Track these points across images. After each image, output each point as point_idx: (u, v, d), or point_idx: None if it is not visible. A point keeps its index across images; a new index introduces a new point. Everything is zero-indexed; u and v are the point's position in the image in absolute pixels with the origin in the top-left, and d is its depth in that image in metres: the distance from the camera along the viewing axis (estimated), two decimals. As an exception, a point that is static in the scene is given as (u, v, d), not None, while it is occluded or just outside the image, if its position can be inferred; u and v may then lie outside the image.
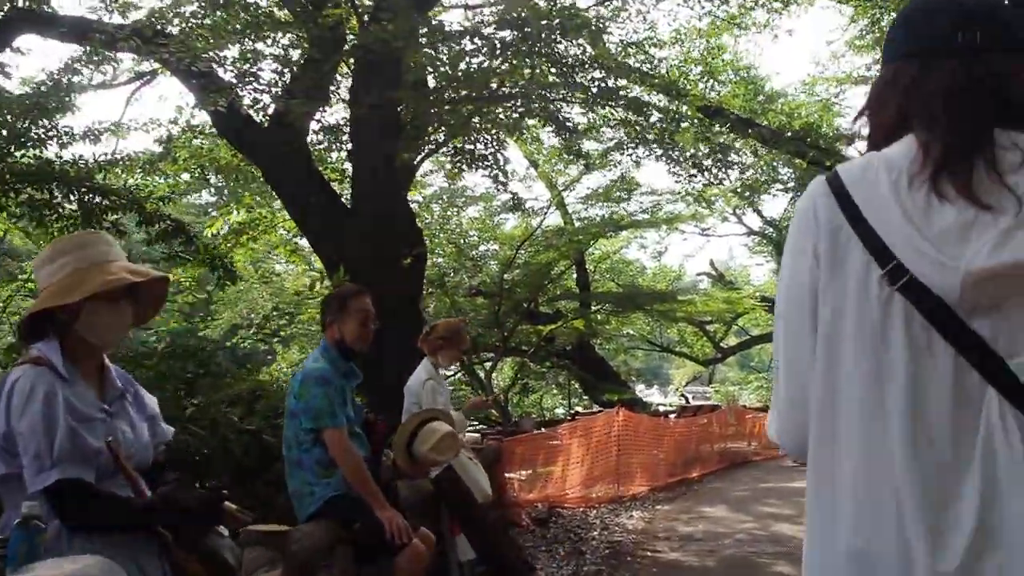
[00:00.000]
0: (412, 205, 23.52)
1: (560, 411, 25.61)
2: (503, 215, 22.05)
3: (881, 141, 1.41)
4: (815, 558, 1.33)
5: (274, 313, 25.12)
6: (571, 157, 13.33)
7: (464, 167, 11.36)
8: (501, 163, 11.51)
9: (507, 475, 9.15)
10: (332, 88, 10.59)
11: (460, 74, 9.60)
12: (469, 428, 15.94)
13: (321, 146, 11.01)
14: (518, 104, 10.41)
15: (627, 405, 19.18)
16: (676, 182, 19.17)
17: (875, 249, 1.28)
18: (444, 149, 11.80)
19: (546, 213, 19.96)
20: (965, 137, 1.30)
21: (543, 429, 15.74)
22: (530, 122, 11.79)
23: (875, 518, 1.25)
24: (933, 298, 1.25)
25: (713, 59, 18.45)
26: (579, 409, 21.36)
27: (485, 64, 9.74)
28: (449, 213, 22.03)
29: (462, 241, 22.69)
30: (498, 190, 11.80)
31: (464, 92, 9.96)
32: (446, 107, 9.96)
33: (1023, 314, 1.23)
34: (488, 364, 20.95)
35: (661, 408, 22.33)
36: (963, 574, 1.20)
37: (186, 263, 10.03)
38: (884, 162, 1.34)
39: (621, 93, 9.97)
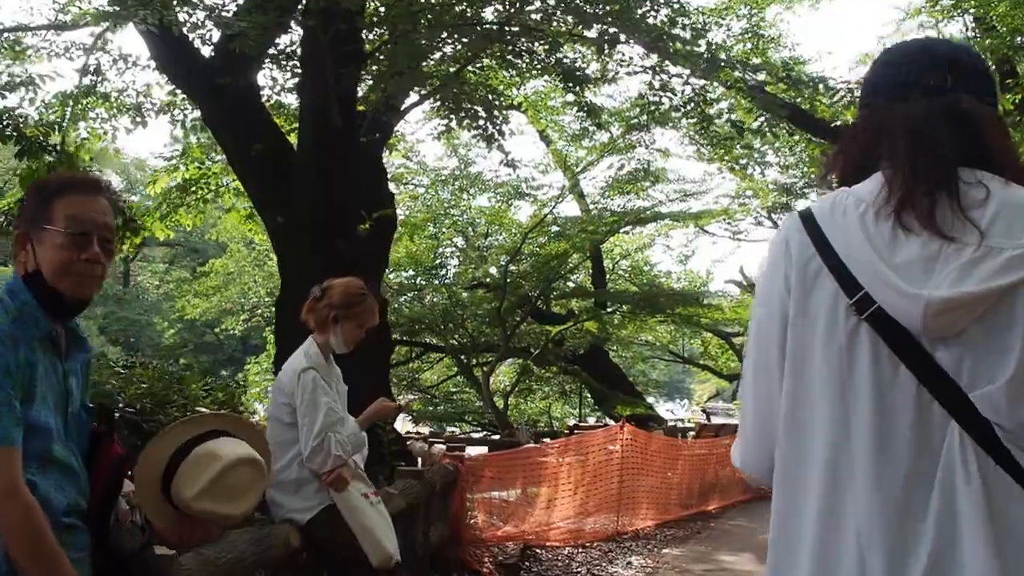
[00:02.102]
0: (416, 188, 21.92)
1: (573, 422, 23.36)
2: (516, 201, 19.92)
3: (850, 178, 1.46)
4: None
5: (268, 299, 23.22)
6: (580, 116, 11.31)
7: (451, 118, 9.35)
8: (496, 118, 9.49)
9: (469, 502, 7.04)
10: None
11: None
12: (437, 439, 13.87)
13: (273, 87, 8.96)
14: (513, 36, 8.35)
15: (639, 420, 17.10)
16: (705, 154, 17.03)
17: (843, 280, 1.32)
18: (430, 103, 9.81)
19: (559, 199, 17.77)
20: (928, 172, 1.34)
21: (547, 440, 13.65)
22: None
23: (837, 551, 1.28)
24: (898, 328, 1.28)
25: (756, 33, 16.24)
26: (575, 422, 19.09)
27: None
28: (456, 197, 19.97)
29: (470, 229, 20.63)
30: (489, 149, 9.68)
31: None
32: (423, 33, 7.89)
33: (986, 345, 1.25)
34: (487, 365, 18.86)
35: (677, 425, 20.03)
36: None
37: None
38: (853, 197, 1.39)
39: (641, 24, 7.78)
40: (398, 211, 20.86)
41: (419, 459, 8.08)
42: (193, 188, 10.73)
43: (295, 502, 3.75)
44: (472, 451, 15.83)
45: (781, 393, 1.37)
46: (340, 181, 8.45)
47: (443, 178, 20.38)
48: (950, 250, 1.28)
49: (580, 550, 8.11)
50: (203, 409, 5.71)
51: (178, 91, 9.63)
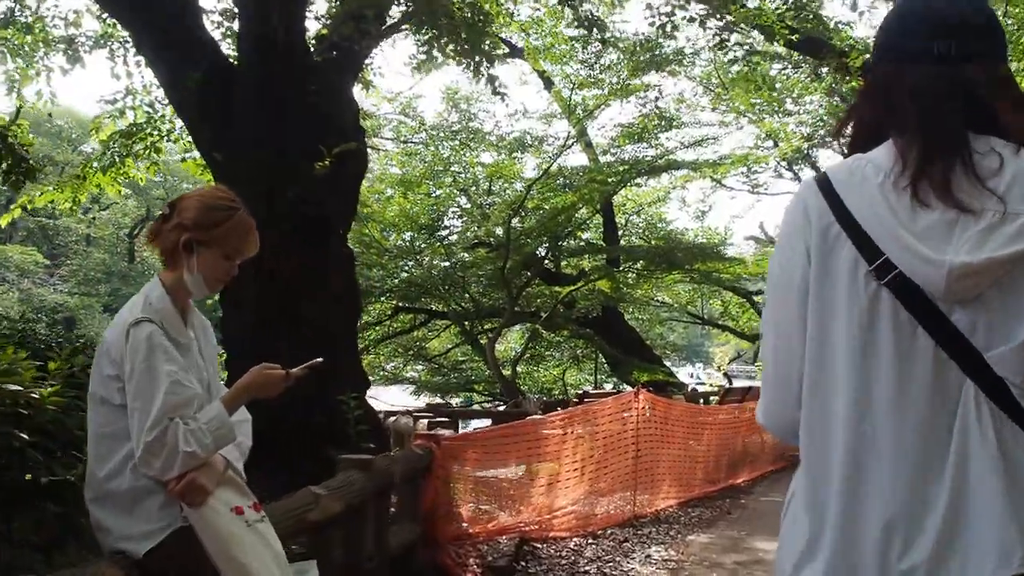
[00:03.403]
0: (415, 145, 20.47)
1: (586, 390, 22.01)
2: (519, 154, 18.46)
3: (861, 144, 1.48)
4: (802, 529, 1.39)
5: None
6: (584, 43, 9.91)
7: (432, 44, 8.01)
8: (483, 42, 8.15)
9: (450, 491, 5.75)
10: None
11: None
12: (417, 411, 12.46)
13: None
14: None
15: (658, 386, 15.76)
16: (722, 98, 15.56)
17: (863, 246, 1.35)
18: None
19: (565, 147, 16.31)
20: (940, 142, 1.36)
21: (560, 410, 12.31)
22: None
23: (860, 507, 1.33)
24: (918, 293, 1.31)
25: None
26: (588, 389, 17.73)
27: None
28: (457, 153, 18.56)
29: (473, 188, 19.22)
30: (478, 80, 8.29)
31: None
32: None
33: (1002, 308, 1.29)
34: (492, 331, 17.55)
35: (698, 389, 18.68)
36: (932, 565, 1.27)
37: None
38: (871, 164, 1.41)
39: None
40: (393, 169, 19.69)
41: (403, 438, 6.79)
42: (140, 134, 9.38)
43: (129, 525, 2.46)
44: (475, 424, 14.60)
45: (802, 354, 1.41)
46: (290, 113, 7.11)
47: (443, 134, 19.02)
48: (968, 217, 1.31)
49: (590, 541, 6.83)
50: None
51: (109, 17, 8.26)
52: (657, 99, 16.38)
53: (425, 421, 7.96)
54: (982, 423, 1.28)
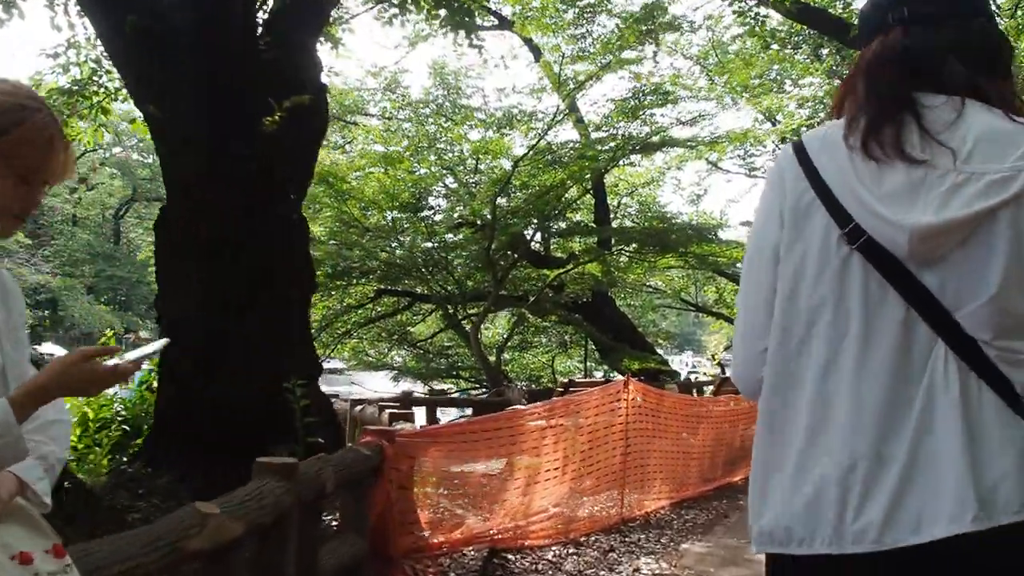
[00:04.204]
0: (401, 122, 19.55)
1: (571, 378, 21.18)
2: (507, 131, 17.55)
3: (838, 114, 1.52)
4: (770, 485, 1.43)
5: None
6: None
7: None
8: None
9: (407, 494, 4.93)
10: None
11: None
12: (391, 400, 11.54)
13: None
14: None
15: (651, 375, 14.96)
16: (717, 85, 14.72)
17: (834, 211, 1.39)
18: None
19: (554, 122, 15.43)
20: (883, 102, 1.41)
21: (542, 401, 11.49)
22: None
23: (817, 467, 1.36)
24: (887, 255, 1.35)
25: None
26: (576, 377, 16.90)
27: None
28: (442, 129, 17.67)
29: (460, 168, 18.30)
30: (454, 31, 7.46)
31: None
32: None
33: (968, 267, 1.32)
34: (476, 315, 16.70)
35: (692, 379, 17.85)
36: (890, 510, 1.29)
37: None
38: (838, 130, 1.44)
39: None
40: (377, 147, 18.77)
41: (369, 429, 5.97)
42: (84, 92, 8.50)
43: None
44: (452, 413, 13.79)
45: (770, 312, 1.45)
46: (236, 65, 6.27)
47: (428, 110, 18.14)
48: (933, 177, 1.33)
49: (571, 550, 6.03)
50: None
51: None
52: (653, 69, 15.55)
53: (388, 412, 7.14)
54: (948, 382, 1.30)
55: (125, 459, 6.53)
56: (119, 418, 8.11)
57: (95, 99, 8.68)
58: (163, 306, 6.37)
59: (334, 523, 4.91)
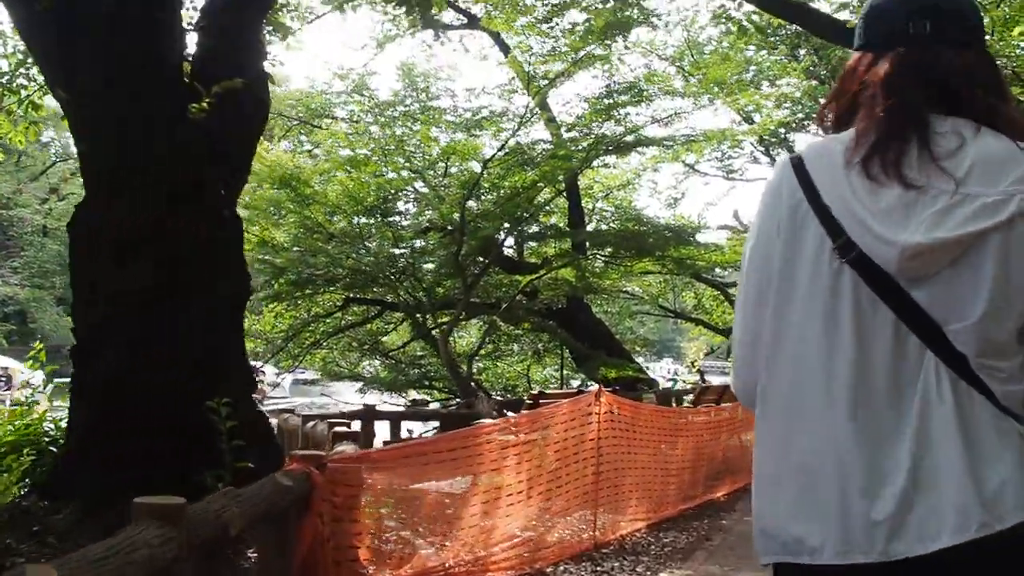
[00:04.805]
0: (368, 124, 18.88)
1: (542, 388, 20.53)
2: (477, 131, 16.91)
3: (842, 125, 1.50)
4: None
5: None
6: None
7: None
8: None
9: (342, 527, 4.28)
10: None
11: None
12: (350, 414, 10.84)
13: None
14: None
15: (628, 384, 14.40)
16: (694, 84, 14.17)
17: (828, 224, 1.39)
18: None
19: (524, 121, 14.83)
20: (898, 120, 1.39)
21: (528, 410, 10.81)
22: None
23: (819, 478, 1.35)
24: (878, 270, 1.35)
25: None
26: (548, 388, 16.26)
27: None
28: (410, 132, 17.00)
29: (429, 173, 17.63)
30: (413, 15, 6.84)
31: None
32: None
33: (958, 287, 1.32)
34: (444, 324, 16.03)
35: (673, 385, 17.25)
36: (895, 522, 1.29)
37: None
38: (840, 144, 1.44)
39: None
40: (345, 151, 18.10)
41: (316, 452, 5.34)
42: (10, 86, 7.81)
43: None
44: (419, 427, 13.13)
45: (762, 326, 1.46)
46: (158, 48, 5.62)
47: (396, 112, 17.49)
48: (927, 197, 1.34)
49: (535, 583, 5.40)
50: None
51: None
52: (625, 62, 15.01)
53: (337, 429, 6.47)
54: (941, 391, 1.31)
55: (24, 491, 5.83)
56: (46, 439, 7.36)
57: (22, 93, 7.99)
58: (76, 315, 5.70)
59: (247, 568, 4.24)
